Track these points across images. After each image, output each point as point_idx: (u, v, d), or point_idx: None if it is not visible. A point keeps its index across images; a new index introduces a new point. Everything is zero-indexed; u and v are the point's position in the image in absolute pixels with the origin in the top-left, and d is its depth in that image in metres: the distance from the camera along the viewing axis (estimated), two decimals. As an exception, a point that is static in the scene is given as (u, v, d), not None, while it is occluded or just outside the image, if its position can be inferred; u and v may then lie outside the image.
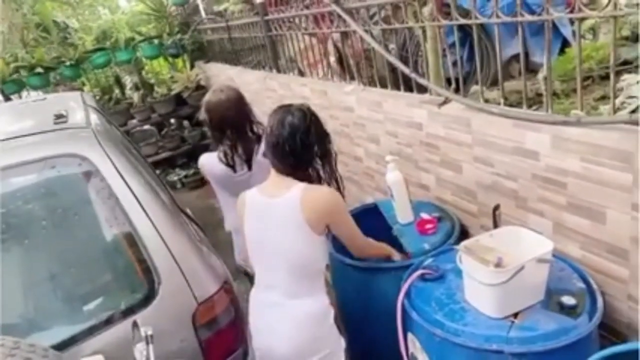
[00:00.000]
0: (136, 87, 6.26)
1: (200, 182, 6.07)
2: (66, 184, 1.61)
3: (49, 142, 1.64)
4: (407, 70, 2.22)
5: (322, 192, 1.64)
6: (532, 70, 2.96)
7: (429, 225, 2.05)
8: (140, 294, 1.58)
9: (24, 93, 5.88)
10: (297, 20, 3.27)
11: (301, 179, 1.63)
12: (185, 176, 6.09)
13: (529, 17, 1.58)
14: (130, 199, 1.61)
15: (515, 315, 1.46)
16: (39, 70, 5.68)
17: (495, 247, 1.54)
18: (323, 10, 2.82)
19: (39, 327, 1.47)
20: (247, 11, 4.33)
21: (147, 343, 1.23)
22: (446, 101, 2.07)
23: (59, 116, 1.80)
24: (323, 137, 1.73)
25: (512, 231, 1.61)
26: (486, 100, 2.05)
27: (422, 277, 1.72)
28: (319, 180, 1.70)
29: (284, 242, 1.61)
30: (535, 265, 1.42)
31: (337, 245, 2.11)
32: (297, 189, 1.59)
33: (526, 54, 2.66)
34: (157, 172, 6.14)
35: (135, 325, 1.25)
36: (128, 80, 6.54)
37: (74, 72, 5.87)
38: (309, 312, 1.62)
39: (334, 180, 1.76)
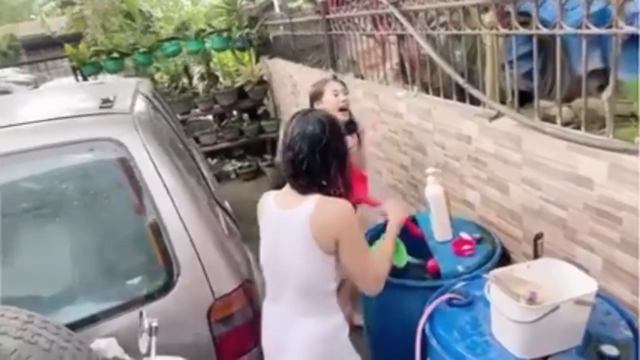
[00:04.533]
0: (202, 78, 6.45)
1: (254, 174, 6.18)
2: (100, 167, 1.65)
3: (90, 125, 1.69)
4: (460, 80, 2.09)
5: (335, 205, 1.45)
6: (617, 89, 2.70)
7: (466, 246, 1.92)
8: (158, 283, 1.59)
9: (100, 76, 6.24)
10: (356, 20, 3.20)
11: (316, 191, 1.49)
12: (240, 167, 6.21)
13: (594, 30, 1.41)
14: (159, 188, 1.63)
15: (545, 358, 1.31)
16: (115, 55, 5.99)
17: (530, 279, 1.40)
18: (382, 12, 2.73)
19: (57, 304, 1.51)
20: (311, 9, 4.31)
21: (150, 334, 1.22)
22: (498, 115, 1.92)
23: (105, 101, 1.86)
24: (342, 152, 1.55)
25: (552, 264, 1.46)
26: (547, 119, 1.87)
27: (449, 302, 1.61)
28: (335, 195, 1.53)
29: (292, 260, 1.49)
30: (572, 307, 1.27)
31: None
32: (311, 201, 1.46)
33: (606, 70, 2.43)
34: (214, 161, 6.34)
35: (141, 315, 1.25)
36: (196, 71, 6.76)
37: (147, 59, 6.14)
38: (319, 332, 1.52)
39: (348, 197, 1.57)
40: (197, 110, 6.28)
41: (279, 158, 1.58)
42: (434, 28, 2.30)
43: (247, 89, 6.13)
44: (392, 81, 3.06)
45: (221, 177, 6.12)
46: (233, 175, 6.24)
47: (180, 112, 6.03)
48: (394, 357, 1.88)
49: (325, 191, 1.50)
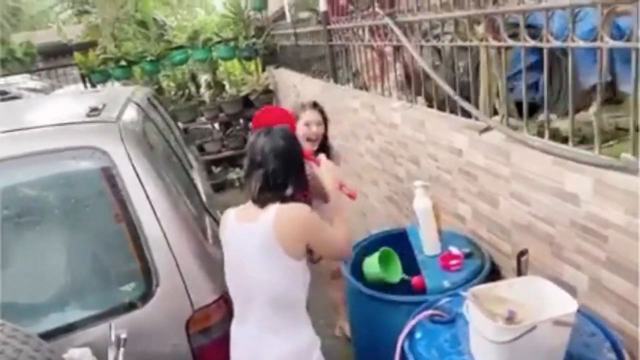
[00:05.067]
0: (209, 86, 6.51)
1: (257, 183, 6.18)
2: (83, 175, 1.65)
3: (74, 133, 1.70)
4: (451, 92, 2.07)
5: (297, 210, 1.49)
6: (618, 101, 2.65)
7: (453, 261, 1.88)
8: (137, 293, 1.58)
9: (109, 84, 6.32)
10: (357, 31, 3.20)
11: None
12: (244, 176, 6.22)
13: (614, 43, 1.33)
14: (141, 198, 1.63)
15: (523, 380, 1.27)
16: (123, 63, 6.07)
17: (510, 298, 1.36)
18: (379, 23, 2.72)
19: (33, 313, 1.52)
20: (315, 20, 4.33)
21: (118, 347, 1.21)
22: (488, 128, 1.89)
23: (93, 109, 1.87)
24: (301, 160, 1.61)
25: (534, 282, 1.42)
26: (552, 131, 1.77)
27: (431, 319, 1.57)
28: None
29: (258, 273, 1.49)
30: (551, 327, 1.23)
31: (353, 269, 2.02)
32: (271, 211, 1.48)
33: (613, 82, 2.40)
34: (218, 169, 6.36)
35: (110, 327, 1.24)
36: (203, 79, 6.82)
37: (154, 67, 6.22)
38: (292, 348, 1.50)
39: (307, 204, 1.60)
40: (203, 119, 6.32)
41: (245, 175, 1.59)
42: (428, 40, 2.28)
43: (252, 97, 6.16)
44: (395, 92, 3.03)
45: (225, 185, 6.13)
46: (237, 184, 6.25)
47: (186, 120, 6.08)
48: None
49: (285, 200, 1.52)
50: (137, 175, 1.65)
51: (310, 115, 2.51)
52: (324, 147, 2.52)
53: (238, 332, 1.59)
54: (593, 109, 1.60)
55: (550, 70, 2.17)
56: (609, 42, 1.32)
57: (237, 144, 6.35)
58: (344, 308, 2.68)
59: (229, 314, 1.68)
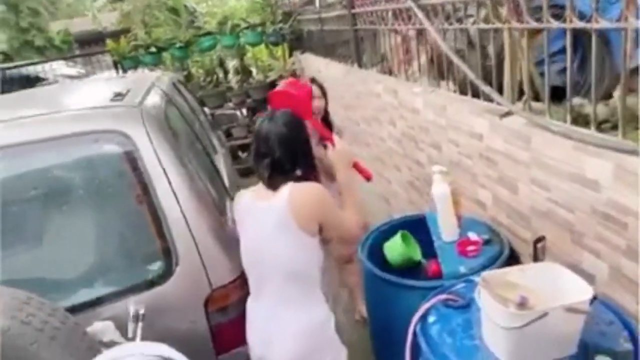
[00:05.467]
0: (236, 72, 6.55)
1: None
2: (105, 158, 1.71)
3: (98, 118, 1.75)
4: (472, 75, 2.03)
5: (310, 188, 1.54)
6: None
7: (471, 247, 1.87)
8: (157, 271, 1.64)
9: (139, 69, 6.45)
10: (379, 14, 3.16)
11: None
12: (269, 160, 6.27)
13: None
14: (162, 181, 1.67)
15: (534, 366, 1.26)
16: (153, 49, 6.18)
17: (523, 284, 1.35)
18: (402, 6, 2.68)
19: (60, 288, 1.59)
20: (340, 4, 4.29)
21: (136, 321, 1.26)
22: (509, 113, 1.85)
23: (117, 94, 1.92)
24: (308, 143, 1.63)
25: (550, 269, 1.40)
26: (583, 117, 1.70)
27: (445, 303, 1.57)
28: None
29: (276, 249, 1.53)
30: (563, 314, 1.21)
31: (371, 255, 2.03)
32: (285, 190, 1.52)
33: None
34: (244, 154, 6.43)
35: (129, 303, 1.29)
36: (231, 65, 6.87)
37: (183, 53, 6.29)
38: (306, 324, 1.54)
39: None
40: (230, 104, 6.38)
41: (253, 162, 1.63)
42: (452, 23, 2.23)
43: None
44: (422, 77, 2.98)
45: (251, 170, 6.20)
46: (263, 169, 6.31)
47: (214, 105, 6.15)
48: (393, 350, 1.86)
49: (296, 180, 1.55)
50: (158, 158, 1.69)
51: (313, 89, 2.51)
52: (326, 121, 2.52)
53: (253, 309, 1.64)
54: (617, 92, 1.54)
55: (584, 54, 2.10)
56: (633, 23, 1.27)
57: (264, 129, 6.39)
58: (359, 291, 2.70)
59: (246, 294, 1.72)
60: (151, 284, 1.62)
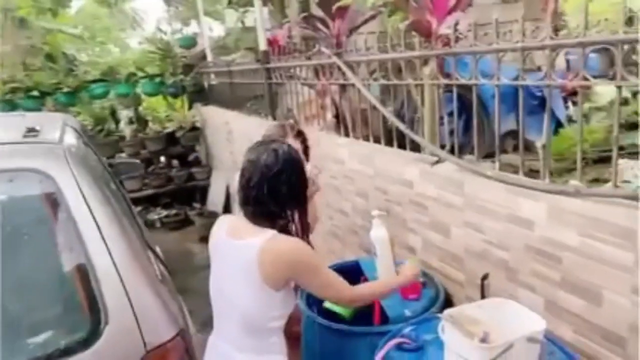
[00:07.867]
0: (130, 121, 6.22)
1: (181, 223, 5.90)
2: (22, 200, 1.47)
3: (12, 155, 1.51)
4: (402, 126, 2.16)
5: (286, 244, 1.40)
6: (526, 148, 2.95)
7: (412, 291, 1.91)
8: (81, 334, 1.40)
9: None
10: (297, 70, 3.27)
11: (270, 225, 1.44)
12: (166, 216, 5.93)
13: (530, 82, 1.54)
14: (90, 226, 1.47)
15: (500, 400, 1.29)
16: (35, 93, 5.64)
17: (482, 319, 1.40)
18: (324, 62, 2.81)
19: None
20: (251, 58, 4.38)
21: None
22: (440, 160, 1.99)
23: (30, 130, 1.69)
24: (297, 186, 1.48)
25: (501, 304, 1.47)
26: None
27: (399, 346, 1.56)
28: (287, 232, 1.48)
29: (236, 291, 1.43)
30: (525, 345, 1.28)
31: (309, 300, 1.96)
32: (262, 236, 1.39)
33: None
34: (138, 209, 5.99)
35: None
36: (124, 115, 6.51)
37: (70, 99, 5.85)
38: None
39: (305, 236, 1.55)
40: (123, 155, 5.99)
41: (238, 191, 1.50)
42: (375, 79, 2.39)
43: (178, 134, 5.99)
44: (330, 132, 3.11)
45: (146, 226, 5.78)
46: (158, 224, 5.92)
47: (106, 155, 5.69)
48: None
49: (280, 227, 1.45)
50: (86, 201, 1.49)
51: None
52: None
53: (213, 346, 1.55)
54: (540, 142, 1.75)
55: (468, 118, 2.40)
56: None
57: (160, 182, 6.07)
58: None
59: (187, 352, 1.54)
60: (74, 350, 1.37)
